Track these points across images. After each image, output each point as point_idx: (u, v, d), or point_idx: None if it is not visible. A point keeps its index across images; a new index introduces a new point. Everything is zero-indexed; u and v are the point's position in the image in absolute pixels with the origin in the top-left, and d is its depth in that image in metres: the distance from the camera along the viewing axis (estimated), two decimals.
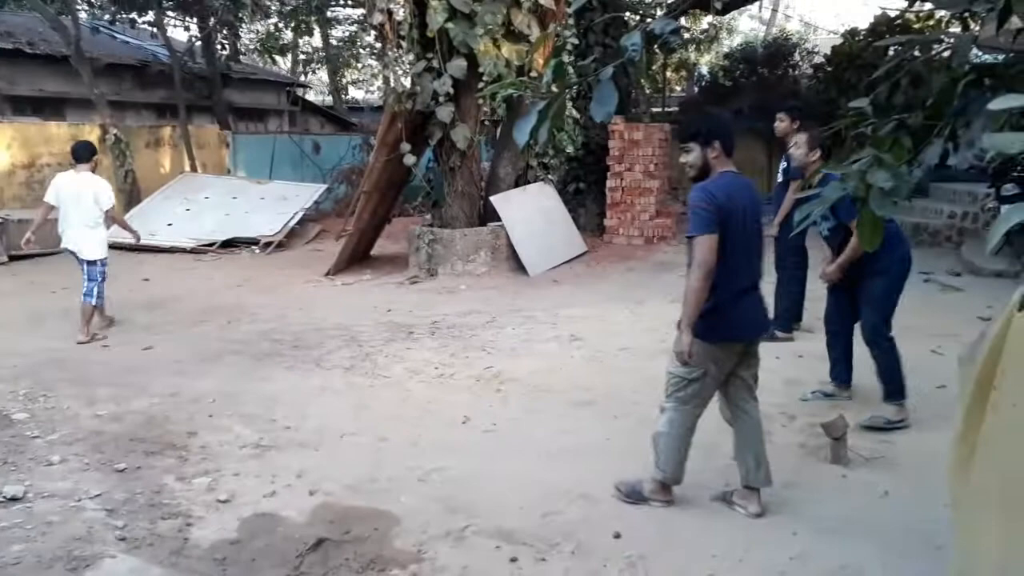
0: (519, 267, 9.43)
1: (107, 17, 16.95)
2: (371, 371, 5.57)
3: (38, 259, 11.03)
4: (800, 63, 17.41)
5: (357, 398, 4.99)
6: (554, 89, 2.20)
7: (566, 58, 9.31)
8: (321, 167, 16.66)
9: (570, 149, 10.47)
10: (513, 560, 3.00)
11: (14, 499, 3.52)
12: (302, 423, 4.52)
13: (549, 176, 10.78)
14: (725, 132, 3.22)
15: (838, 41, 15.63)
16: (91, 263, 6.72)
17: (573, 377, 5.29)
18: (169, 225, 12.12)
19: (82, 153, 6.78)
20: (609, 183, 11.27)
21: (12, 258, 10.75)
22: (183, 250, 11.42)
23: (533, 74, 9.30)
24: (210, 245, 11.63)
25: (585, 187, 11.96)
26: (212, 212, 12.55)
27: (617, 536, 3.16)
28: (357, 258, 10.45)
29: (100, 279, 6.72)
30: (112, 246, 11.91)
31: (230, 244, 11.84)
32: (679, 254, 9.69)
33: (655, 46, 2.23)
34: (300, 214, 12.78)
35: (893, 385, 4.21)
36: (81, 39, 13.42)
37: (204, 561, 3.04)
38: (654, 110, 16.68)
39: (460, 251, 9.40)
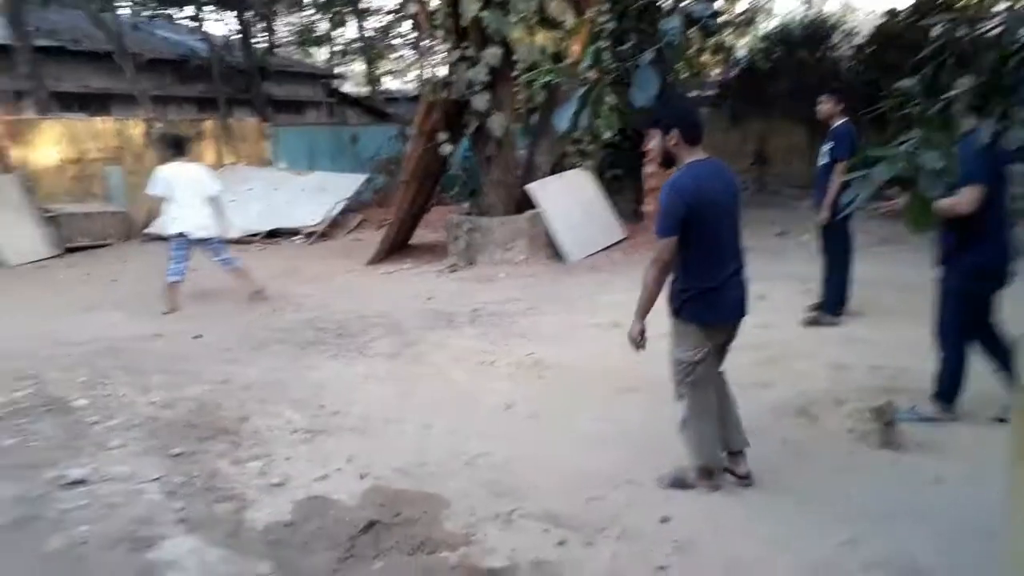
0: (557, 255, 9.44)
1: (146, 13, 17.28)
2: (414, 359, 5.65)
3: (91, 251, 11.37)
4: (840, 44, 17.03)
5: (401, 385, 5.07)
6: (593, 75, 2.22)
7: (602, 44, 9.25)
8: (360, 157, 16.82)
9: (607, 135, 10.42)
10: (561, 543, 3.04)
11: (79, 482, 3.66)
12: (349, 409, 4.61)
13: (586, 163, 10.75)
14: (686, 120, 3.21)
15: (880, 21, 15.27)
16: (207, 240, 7.47)
17: (614, 364, 5.28)
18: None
19: (184, 145, 7.62)
20: (646, 169, 11.19)
21: (68, 250, 11.06)
22: (228, 241, 11.63)
23: (569, 61, 9.29)
24: (254, 235, 11.84)
25: (622, 173, 11.89)
26: (255, 203, 12.76)
27: (664, 520, 3.18)
28: (397, 247, 10.55)
29: (221, 251, 7.67)
30: (158, 238, 12.25)
31: (273, 234, 12.05)
32: None
33: (694, 29, 2.24)
34: (341, 204, 12.93)
35: (942, 388, 4.02)
36: (123, 35, 13.70)
37: (259, 543, 3.13)
38: (690, 95, 16.48)
39: (498, 239, 9.43)
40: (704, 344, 3.26)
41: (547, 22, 8.97)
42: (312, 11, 19.52)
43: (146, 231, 12.45)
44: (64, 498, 3.52)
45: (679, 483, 3.46)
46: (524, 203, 9.87)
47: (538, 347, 5.73)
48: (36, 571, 2.95)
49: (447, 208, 13.35)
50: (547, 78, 7.99)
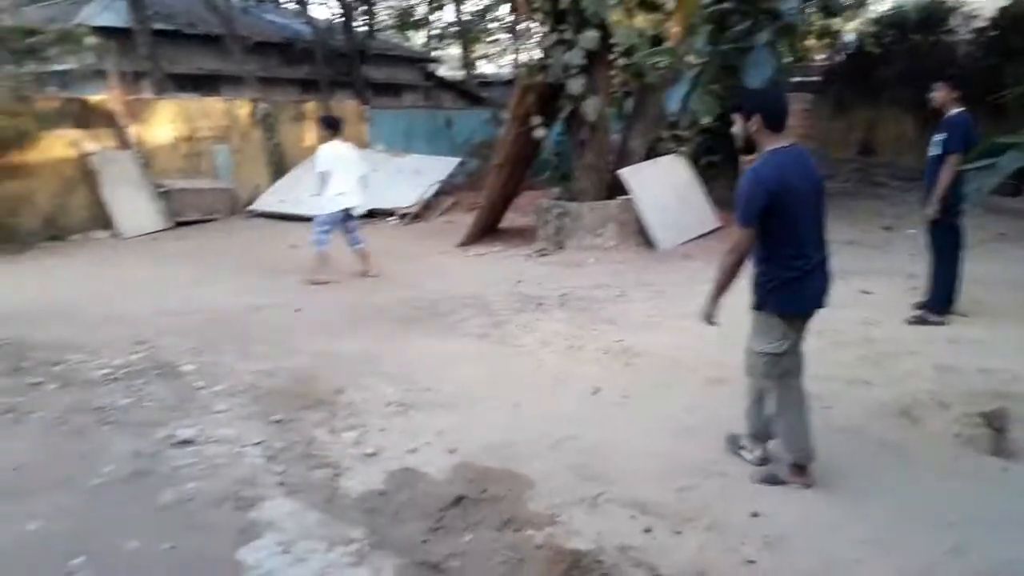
0: (648, 241, 9.31)
1: None
2: (503, 340, 5.71)
3: (199, 225, 11.97)
4: (958, 28, 16.02)
5: (491, 365, 5.13)
6: (695, 57, 2.17)
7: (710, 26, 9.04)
8: (454, 141, 17.03)
9: (706, 120, 10.17)
10: (647, 531, 3.03)
11: (187, 442, 3.88)
12: (440, 386, 4.70)
13: (681, 148, 10.53)
14: (769, 106, 3.18)
15: (1004, 3, 14.27)
16: (355, 217, 7.91)
17: (706, 354, 5.19)
18: (313, 196, 12.77)
19: (339, 125, 8.00)
20: (744, 156, 10.87)
21: (177, 224, 11.68)
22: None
23: (669, 43, 9.11)
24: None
25: (719, 160, 11.59)
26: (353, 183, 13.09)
27: (755, 515, 3.12)
28: (487, 230, 10.65)
29: (356, 230, 8.07)
30: (261, 214, 12.77)
31: (370, 215, 12.35)
32: None
33: (814, 9, 2.15)
34: (435, 187, 13.14)
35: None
36: (233, 19, 14.28)
37: (354, 509, 3.25)
38: (794, 79, 15.90)
39: (588, 224, 9.38)
40: (788, 336, 3.22)
41: (646, 4, 8.82)
42: None
43: (249, 207, 13.00)
44: (175, 456, 3.75)
45: (771, 479, 3.39)
46: (616, 188, 9.77)
47: (627, 334, 5.69)
48: (151, 521, 3.16)
49: (537, 192, 13.36)
50: (655, 60, 7.83)
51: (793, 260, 3.14)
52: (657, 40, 8.91)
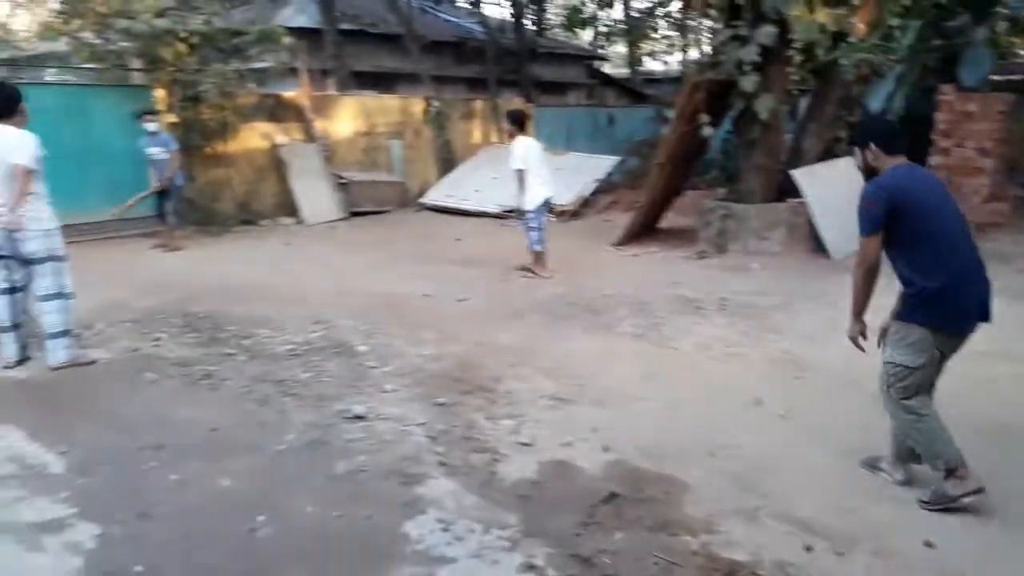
0: (819, 248, 8.83)
1: None
2: (660, 341, 5.65)
3: (372, 216, 12.71)
4: None
5: (646, 365, 5.10)
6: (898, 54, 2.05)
7: (894, 21, 8.44)
8: (615, 139, 16.96)
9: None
10: (808, 549, 2.91)
11: (359, 417, 4.17)
12: (595, 383, 4.74)
13: None
14: (880, 133, 3.32)
15: None
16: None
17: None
18: (477, 191, 13.21)
19: (526, 121, 8.22)
20: (932, 160, 10.04)
21: (352, 214, 12.47)
22: (488, 215, 12.40)
23: (851, 39, 8.60)
24: (511, 211, 12.45)
25: None
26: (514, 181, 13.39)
27: (928, 545, 2.91)
28: (645, 230, 10.53)
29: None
30: (429, 208, 13.35)
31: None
32: (1017, 244, 8.42)
33: None
34: (594, 185, 13.17)
35: None
36: (412, 19, 14.99)
37: (509, 495, 3.36)
38: (994, 78, 14.46)
39: (754, 228, 9.05)
40: (926, 350, 3.16)
41: None
42: None
43: (419, 200, 13.63)
44: (347, 430, 4.03)
45: (942, 498, 3.16)
46: (786, 190, 9.35)
47: (793, 344, 5.46)
48: (325, 489, 3.42)
49: (700, 193, 13.04)
50: (857, 56, 7.45)
51: (930, 270, 3.11)
52: (840, 36, 8.42)
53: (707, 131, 9.14)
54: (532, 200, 7.88)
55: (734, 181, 10.04)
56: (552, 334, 5.84)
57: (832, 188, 9.17)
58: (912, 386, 3.21)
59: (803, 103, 10.81)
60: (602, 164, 13.95)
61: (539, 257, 8.06)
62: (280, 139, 12.15)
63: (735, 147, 10.11)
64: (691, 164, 10.92)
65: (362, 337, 5.68)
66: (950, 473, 3.14)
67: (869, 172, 3.32)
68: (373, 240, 10.50)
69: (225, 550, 2.91)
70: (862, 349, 3.43)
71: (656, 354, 5.36)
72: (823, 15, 8.42)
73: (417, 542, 2.98)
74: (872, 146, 3.27)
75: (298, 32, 14.56)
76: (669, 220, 11.33)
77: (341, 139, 13.27)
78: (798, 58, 8.59)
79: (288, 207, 12.11)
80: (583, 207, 12.81)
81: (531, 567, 2.81)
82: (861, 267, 3.25)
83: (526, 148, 7.82)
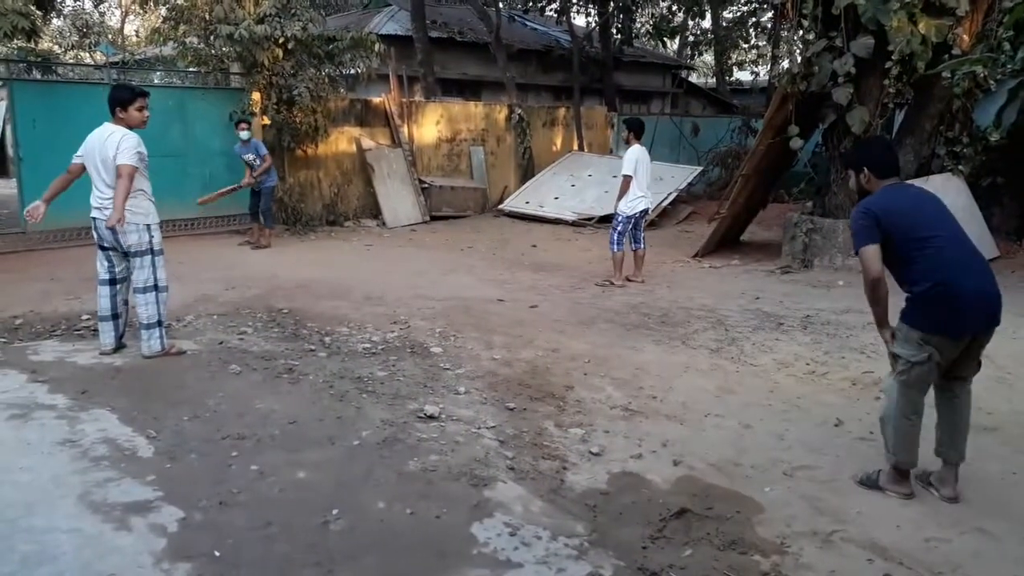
0: None
1: (520, 6, 18.89)
2: (737, 356, 5.52)
3: (452, 220, 12.90)
4: None
5: (722, 381, 5.00)
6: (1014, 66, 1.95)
7: (1004, 33, 8.00)
8: (697, 149, 16.71)
9: (995, 137, 9.02)
10: None
11: (432, 417, 4.23)
12: (667, 395, 4.68)
13: (959, 167, 9.43)
14: (872, 158, 3.51)
15: None
16: (645, 219, 8.32)
17: (973, 398, 4.64)
18: (555, 199, 13.24)
19: (643, 129, 8.20)
20: None
21: (432, 218, 12.68)
22: (566, 222, 12.41)
23: (955, 51, 8.22)
24: (589, 219, 12.44)
25: (1003, 182, 10.22)
26: (594, 188, 13.38)
27: None
28: (727, 242, 10.34)
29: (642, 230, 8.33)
30: (507, 214, 13.45)
31: (607, 219, 12.52)
32: None
33: None
34: (674, 195, 13.01)
35: None
36: (500, 27, 15.16)
37: (577, 504, 3.34)
38: None
39: (842, 244, 8.75)
40: (924, 349, 3.28)
41: (933, 8, 8.01)
42: (670, 2, 19.71)
43: (497, 207, 13.74)
44: (420, 429, 4.09)
45: (867, 482, 3.47)
46: None
47: (879, 366, 5.22)
48: (397, 486, 3.48)
49: (785, 206, 12.71)
50: (969, 68, 7.17)
51: (921, 278, 3.26)
52: (943, 47, 8.05)
53: (796, 143, 8.90)
54: (630, 207, 7.91)
55: (822, 195, 9.74)
56: (624, 344, 5.79)
57: None
58: (912, 380, 3.35)
59: (900, 117, 10.39)
60: (684, 174, 13.78)
61: (616, 261, 8.08)
62: (367, 143, 12.47)
63: (824, 160, 9.80)
64: (777, 176, 10.66)
65: (437, 339, 5.77)
66: (896, 472, 3.41)
67: (861, 193, 3.58)
68: (451, 244, 10.65)
69: (299, 541, 3.00)
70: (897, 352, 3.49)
71: (733, 369, 5.24)
72: (924, 25, 8.07)
73: (484, 544, 3.00)
74: (865, 170, 3.49)
75: (389, 39, 14.95)
76: (752, 233, 11.09)
77: (425, 144, 13.52)
78: (896, 70, 8.26)
79: (372, 210, 12.41)
80: (662, 217, 12.67)
81: None
82: (865, 281, 3.39)
83: (637, 156, 7.87)
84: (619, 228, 8.02)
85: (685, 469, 3.67)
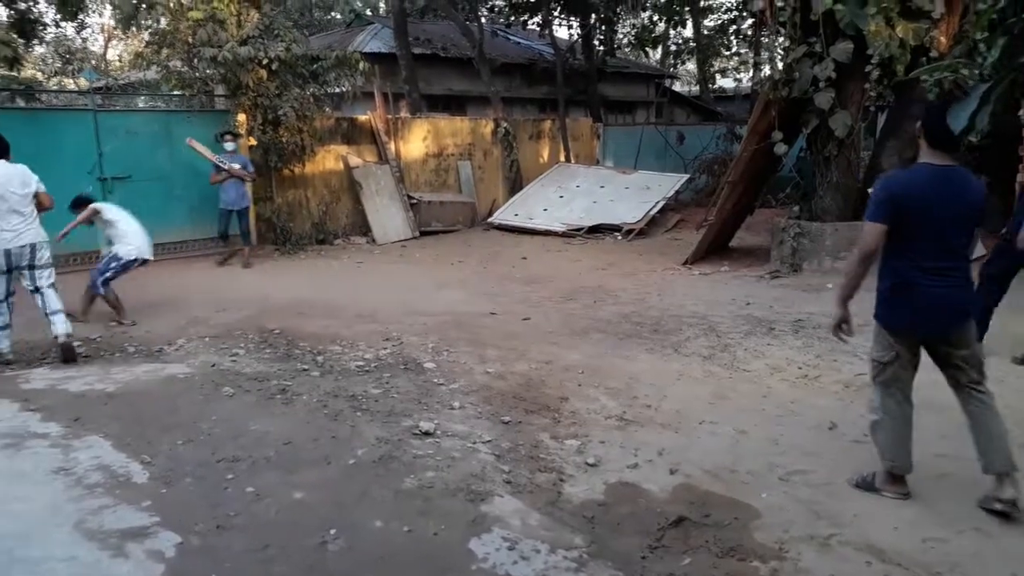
0: None
1: (502, 20, 19.02)
2: (730, 363, 5.55)
3: (441, 235, 12.90)
4: None
5: (715, 387, 5.02)
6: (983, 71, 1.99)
7: (978, 35, 8.13)
8: (684, 157, 16.81)
9: (973, 138, 9.13)
10: None
11: (427, 433, 4.22)
12: (662, 404, 4.69)
13: None
14: (929, 123, 3.29)
15: None
16: None
17: None
18: (544, 210, 13.29)
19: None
20: (1020, 176, 9.57)
21: (422, 233, 12.69)
22: (555, 233, 12.45)
23: (933, 54, 8.33)
24: (578, 230, 12.49)
25: (988, 181, 10.28)
26: (582, 199, 13.45)
27: None
28: (716, 249, 10.39)
29: None
30: (496, 227, 13.47)
31: (595, 230, 12.59)
32: None
33: None
34: (661, 203, 13.09)
35: None
36: (483, 42, 15.25)
37: (575, 516, 3.34)
38: None
39: (829, 247, 8.82)
40: (890, 347, 3.32)
41: (910, 12, 8.11)
42: (651, 12, 19.88)
43: (487, 220, 13.78)
44: (416, 446, 4.09)
45: (863, 485, 3.47)
46: (863, 208, 9.07)
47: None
48: (394, 504, 3.47)
49: (772, 211, 12.79)
50: (941, 74, 7.27)
51: (899, 271, 3.25)
52: (921, 50, 8.16)
53: (781, 148, 8.98)
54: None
55: (809, 199, 9.81)
56: (617, 353, 5.80)
57: None
58: (888, 381, 3.38)
59: (882, 119, 10.50)
60: (671, 182, 13.87)
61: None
62: (354, 161, 12.49)
63: (809, 165, 9.89)
64: (763, 182, 10.74)
65: (430, 354, 5.77)
66: (892, 478, 3.40)
67: (913, 153, 3.42)
68: (441, 259, 10.65)
69: (298, 563, 2.99)
70: (843, 340, 3.55)
71: (726, 376, 5.27)
72: (902, 29, 8.17)
73: (483, 560, 2.99)
74: (920, 127, 3.31)
75: (373, 57, 15.00)
76: (741, 239, 11.15)
77: (413, 160, 13.55)
78: (876, 74, 8.36)
79: (361, 227, 12.41)
80: (651, 225, 12.72)
81: None
82: (859, 253, 3.33)
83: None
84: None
85: (681, 477, 3.68)
